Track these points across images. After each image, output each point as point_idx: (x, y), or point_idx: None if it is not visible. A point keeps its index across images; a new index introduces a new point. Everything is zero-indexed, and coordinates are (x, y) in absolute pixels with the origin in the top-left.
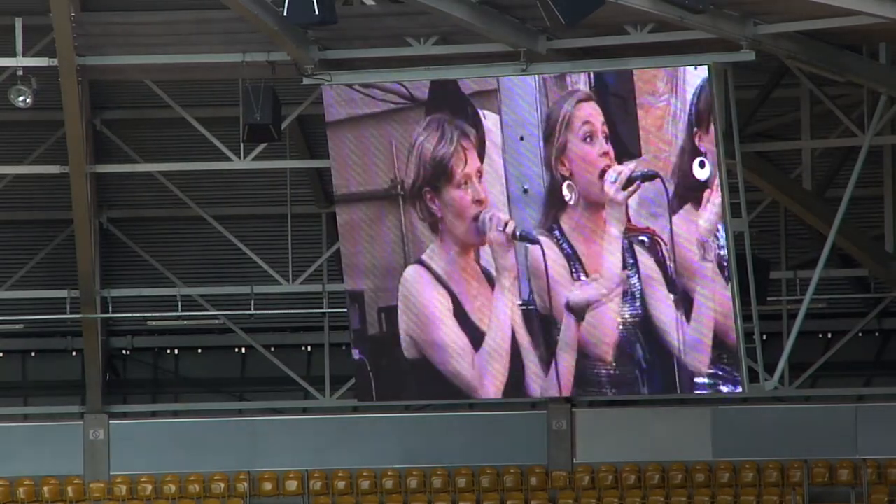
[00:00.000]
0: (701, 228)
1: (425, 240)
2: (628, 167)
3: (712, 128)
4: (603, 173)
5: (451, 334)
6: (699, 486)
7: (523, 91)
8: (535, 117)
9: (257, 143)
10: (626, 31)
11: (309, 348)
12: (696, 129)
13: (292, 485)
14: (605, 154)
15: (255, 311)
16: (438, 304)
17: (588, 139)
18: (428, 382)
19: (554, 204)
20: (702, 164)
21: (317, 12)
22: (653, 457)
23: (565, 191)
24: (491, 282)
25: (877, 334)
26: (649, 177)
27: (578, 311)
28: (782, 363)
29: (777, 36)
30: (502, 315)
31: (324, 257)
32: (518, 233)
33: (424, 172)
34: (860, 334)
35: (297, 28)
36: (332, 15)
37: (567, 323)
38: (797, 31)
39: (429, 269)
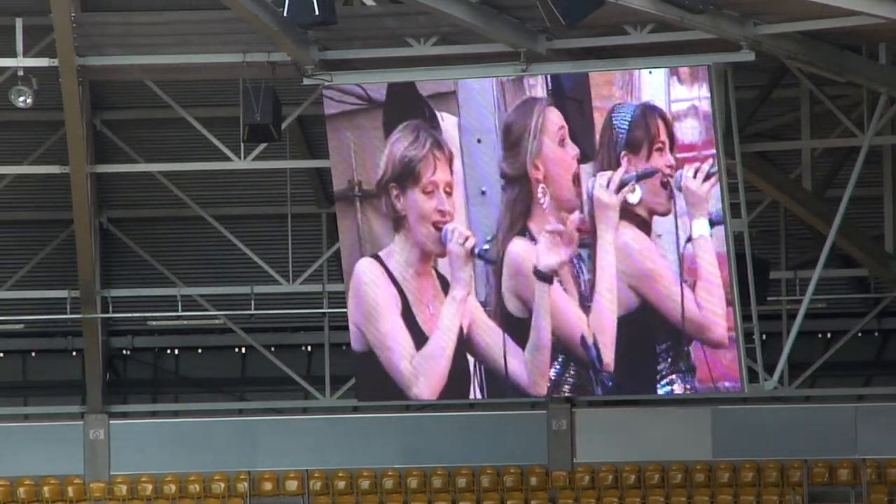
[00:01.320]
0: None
1: (385, 238)
2: (618, 171)
3: (653, 150)
4: (576, 178)
5: (395, 330)
6: (699, 486)
7: (481, 94)
8: (492, 120)
9: (257, 143)
10: (626, 32)
11: (309, 348)
12: (624, 151)
13: (292, 485)
14: (576, 158)
15: (255, 311)
16: (387, 301)
17: (562, 143)
18: (370, 376)
19: (522, 209)
20: (632, 189)
21: (317, 12)
22: (653, 457)
23: (539, 194)
24: (445, 289)
25: (877, 334)
26: (646, 175)
27: (548, 277)
28: (782, 363)
29: (777, 36)
30: (449, 324)
31: (324, 257)
32: (477, 251)
33: (393, 169)
34: (860, 334)
35: (297, 28)
36: (332, 15)
37: (537, 324)
38: (797, 31)
39: (383, 265)
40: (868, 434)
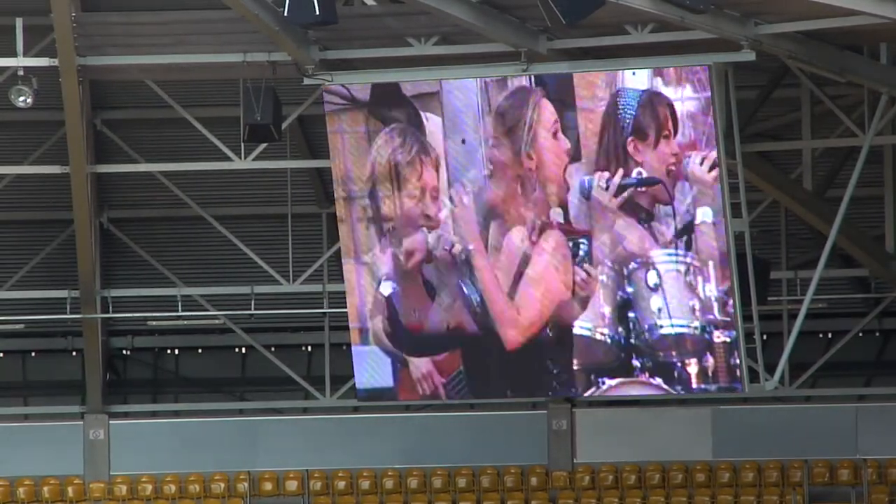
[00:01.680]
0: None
1: (371, 241)
2: (618, 174)
3: (660, 138)
4: (565, 172)
5: (383, 335)
6: (699, 486)
7: (465, 94)
8: (476, 119)
9: (257, 143)
10: (626, 31)
11: (309, 348)
12: (631, 137)
13: (292, 485)
14: (567, 152)
15: (255, 311)
16: (372, 306)
17: (555, 135)
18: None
19: (511, 195)
20: (639, 174)
21: (317, 12)
22: (653, 457)
23: (530, 184)
24: (431, 295)
25: (877, 334)
26: (648, 183)
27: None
28: (782, 363)
29: (777, 36)
30: (436, 328)
31: (324, 257)
32: (464, 256)
33: (380, 172)
34: (860, 334)
35: (298, 28)
36: (333, 15)
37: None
38: (797, 31)
39: (370, 270)
40: (869, 434)
